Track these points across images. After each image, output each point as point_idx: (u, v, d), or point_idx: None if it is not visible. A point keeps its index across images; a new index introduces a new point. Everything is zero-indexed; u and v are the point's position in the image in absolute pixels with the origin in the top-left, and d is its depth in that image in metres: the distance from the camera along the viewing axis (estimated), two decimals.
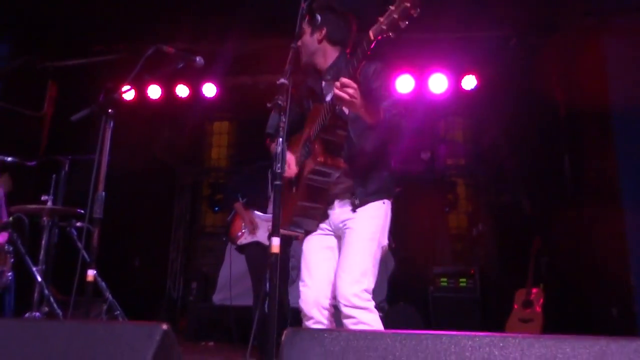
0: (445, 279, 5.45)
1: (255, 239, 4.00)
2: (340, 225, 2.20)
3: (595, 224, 4.69)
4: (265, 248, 3.85)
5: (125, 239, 5.89)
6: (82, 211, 3.58)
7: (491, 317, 5.28)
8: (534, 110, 5.55)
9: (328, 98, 2.18)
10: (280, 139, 1.71)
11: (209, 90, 5.94)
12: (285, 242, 3.73)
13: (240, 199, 4.16)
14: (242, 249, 4.10)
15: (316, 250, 2.27)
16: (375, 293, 2.11)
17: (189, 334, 5.53)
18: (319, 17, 2.25)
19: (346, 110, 2.13)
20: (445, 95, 5.65)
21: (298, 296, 2.25)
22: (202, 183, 7.71)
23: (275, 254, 1.58)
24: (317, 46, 2.29)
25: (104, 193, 2.36)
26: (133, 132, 5.48)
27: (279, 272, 1.60)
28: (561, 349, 1.09)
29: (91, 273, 2.25)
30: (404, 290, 5.59)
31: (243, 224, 4.07)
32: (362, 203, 2.15)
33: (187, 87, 5.95)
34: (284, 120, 1.72)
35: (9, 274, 3.71)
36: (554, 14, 4.98)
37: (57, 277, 3.85)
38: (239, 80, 6.04)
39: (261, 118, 1.99)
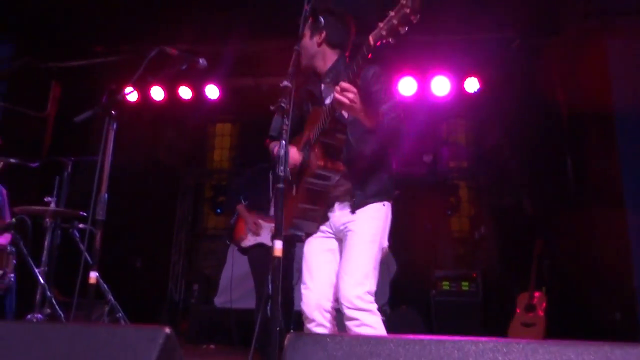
0: (447, 283, 5.44)
1: (258, 240, 4.00)
2: (341, 227, 2.21)
3: (598, 226, 4.68)
4: (269, 249, 3.85)
5: (126, 240, 5.89)
6: (85, 213, 3.59)
7: (493, 321, 5.26)
8: (536, 112, 5.54)
9: (327, 101, 2.19)
10: (283, 142, 1.70)
11: (212, 92, 5.95)
12: (289, 243, 3.73)
13: (242, 201, 4.16)
14: (245, 251, 4.10)
15: (317, 253, 2.28)
16: (377, 296, 2.11)
17: (191, 336, 5.52)
18: (322, 20, 2.25)
19: (345, 114, 2.14)
20: (448, 98, 5.66)
21: (300, 299, 2.25)
22: (205, 185, 7.71)
23: (278, 258, 1.58)
24: (317, 49, 2.30)
25: (106, 195, 2.36)
26: (136, 134, 5.50)
27: (283, 270, 1.59)
28: (565, 355, 1.08)
29: (93, 275, 2.25)
30: (406, 293, 5.59)
31: (247, 226, 4.07)
32: (361, 205, 2.16)
33: (190, 88, 5.96)
34: (287, 123, 1.72)
35: (11, 275, 3.71)
36: (556, 16, 4.98)
37: (60, 279, 3.85)
38: (241, 82, 6.05)
39: (264, 120, 2.00)
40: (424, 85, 5.54)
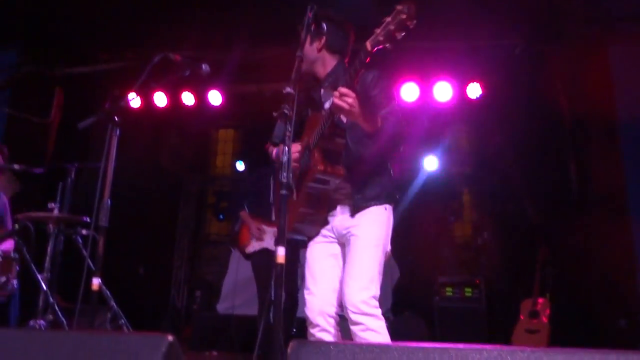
0: (450, 289, 5.41)
1: (263, 245, 4.01)
2: (344, 232, 2.21)
3: (602, 233, 4.66)
4: (272, 253, 3.85)
5: (129, 246, 5.89)
6: (88, 219, 3.59)
7: (497, 328, 5.24)
8: (539, 117, 5.53)
9: (326, 105, 2.21)
10: (286, 148, 1.71)
11: (215, 98, 5.96)
12: (293, 247, 3.71)
13: (245, 207, 4.17)
14: (250, 257, 4.10)
15: (320, 258, 2.28)
16: (380, 303, 2.11)
17: (193, 343, 5.50)
18: (324, 26, 2.27)
19: (344, 119, 2.15)
20: (450, 104, 5.65)
21: (304, 304, 2.25)
22: (207, 191, 7.71)
23: (281, 265, 1.57)
24: (317, 55, 2.33)
25: (109, 201, 2.36)
26: (139, 140, 5.51)
27: (286, 274, 1.59)
28: None
29: (96, 282, 2.25)
30: (409, 299, 5.57)
31: (250, 232, 4.07)
32: (361, 208, 2.17)
33: (193, 94, 5.98)
34: (290, 129, 1.72)
35: (14, 281, 3.71)
36: (558, 22, 4.99)
37: (62, 285, 3.85)
38: (244, 88, 6.06)
39: (266, 126, 2.00)
40: (426, 91, 5.54)
